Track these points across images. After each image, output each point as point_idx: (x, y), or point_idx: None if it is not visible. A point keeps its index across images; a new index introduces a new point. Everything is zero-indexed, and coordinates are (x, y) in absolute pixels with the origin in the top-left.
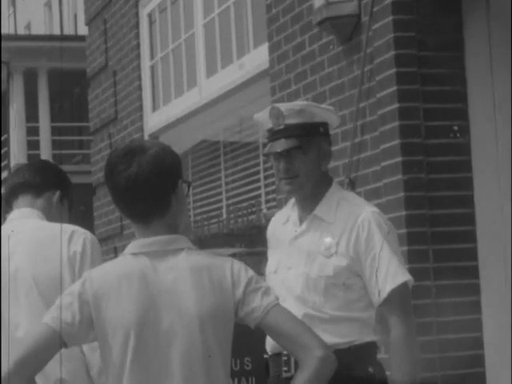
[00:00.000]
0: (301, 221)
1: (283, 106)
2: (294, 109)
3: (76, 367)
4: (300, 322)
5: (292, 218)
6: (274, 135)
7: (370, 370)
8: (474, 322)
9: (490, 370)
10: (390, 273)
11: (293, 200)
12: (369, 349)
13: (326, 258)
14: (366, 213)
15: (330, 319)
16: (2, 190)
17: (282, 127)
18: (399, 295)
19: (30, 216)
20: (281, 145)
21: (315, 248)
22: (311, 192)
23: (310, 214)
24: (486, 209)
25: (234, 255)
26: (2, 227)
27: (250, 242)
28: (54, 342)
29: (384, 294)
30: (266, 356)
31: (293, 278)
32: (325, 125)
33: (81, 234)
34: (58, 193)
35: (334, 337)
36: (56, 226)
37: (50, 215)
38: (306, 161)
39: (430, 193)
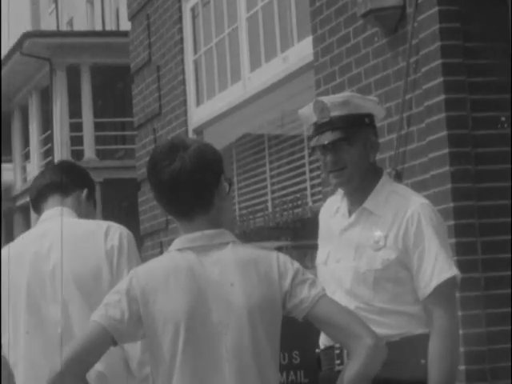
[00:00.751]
0: (350, 213)
1: (327, 99)
2: (337, 101)
3: (114, 361)
4: (348, 312)
5: (341, 210)
6: (319, 128)
7: (423, 361)
8: None
9: None
10: (436, 267)
11: (342, 191)
12: (421, 341)
13: (374, 252)
14: (416, 205)
15: (380, 312)
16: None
17: (326, 120)
18: (445, 290)
19: (64, 214)
20: (327, 137)
21: (364, 241)
22: (360, 184)
23: (359, 206)
24: None
25: (279, 248)
26: (36, 228)
27: (295, 236)
28: (104, 340)
29: (430, 289)
30: (317, 350)
31: (342, 271)
32: (370, 116)
33: (116, 228)
34: (85, 191)
35: (384, 329)
36: (90, 222)
37: (80, 213)
38: (353, 152)
39: (477, 184)
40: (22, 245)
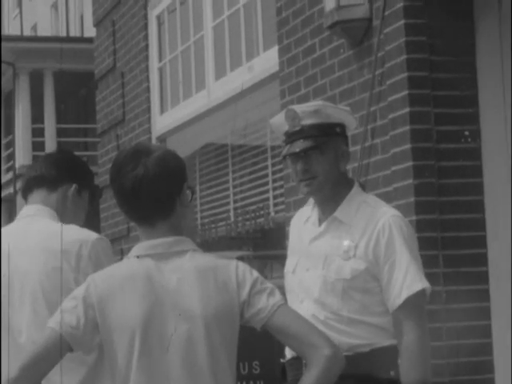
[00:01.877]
0: (320, 222)
1: (298, 108)
2: (309, 110)
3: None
4: (306, 322)
5: (312, 219)
6: (290, 137)
7: (392, 373)
8: (484, 328)
9: (499, 375)
10: (407, 279)
11: (313, 200)
12: (390, 352)
13: (344, 261)
14: (387, 216)
15: (348, 322)
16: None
17: (298, 128)
18: (415, 302)
19: (40, 215)
20: (298, 145)
21: (334, 250)
22: (331, 194)
23: (329, 215)
24: (497, 214)
25: (240, 258)
26: (13, 225)
27: (257, 246)
28: (59, 347)
29: (399, 301)
30: (282, 360)
31: (310, 280)
32: (342, 126)
33: (88, 246)
34: (74, 186)
35: (354, 339)
36: (66, 233)
37: (64, 211)
38: (324, 161)
39: (440, 198)
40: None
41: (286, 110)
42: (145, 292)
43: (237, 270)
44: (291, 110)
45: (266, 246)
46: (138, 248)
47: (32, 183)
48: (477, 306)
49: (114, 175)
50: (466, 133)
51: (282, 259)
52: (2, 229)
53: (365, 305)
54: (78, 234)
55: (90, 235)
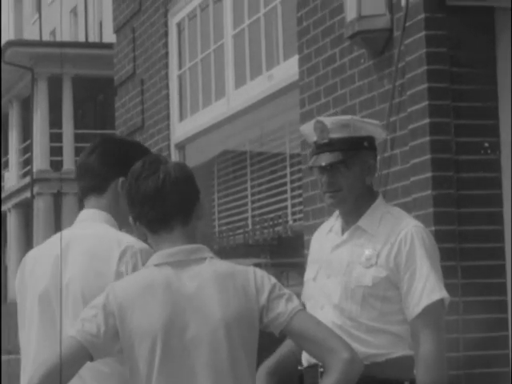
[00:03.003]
0: (343, 231)
1: (328, 120)
2: (338, 123)
3: None
4: (325, 327)
5: (335, 228)
6: (318, 148)
7: (407, 383)
8: (501, 339)
9: None
10: (426, 289)
11: (337, 212)
12: (405, 362)
13: (365, 269)
14: (409, 227)
15: (366, 330)
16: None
17: (326, 141)
18: (433, 312)
19: (93, 219)
20: (325, 158)
21: (355, 258)
22: (354, 205)
23: (352, 225)
24: None
25: (257, 265)
26: (68, 230)
27: (274, 254)
28: (80, 355)
29: (418, 310)
30: (300, 367)
31: (331, 286)
32: (370, 139)
33: (133, 252)
34: (121, 180)
35: (369, 348)
36: (114, 237)
37: (119, 210)
38: (349, 175)
39: (459, 209)
40: (47, 247)
41: (316, 121)
42: (164, 299)
43: (255, 276)
44: (320, 122)
45: (283, 255)
46: (156, 256)
47: (85, 192)
48: (495, 317)
49: (132, 181)
50: (486, 144)
51: (298, 268)
52: (55, 235)
53: (384, 313)
54: (123, 239)
55: (134, 242)
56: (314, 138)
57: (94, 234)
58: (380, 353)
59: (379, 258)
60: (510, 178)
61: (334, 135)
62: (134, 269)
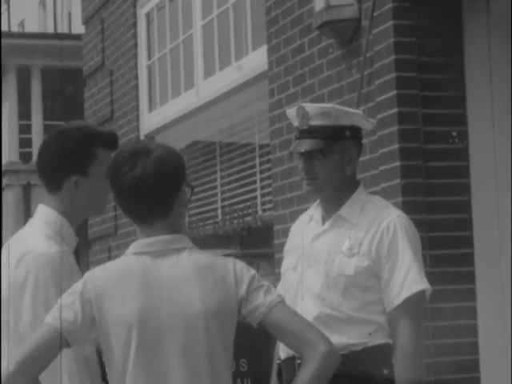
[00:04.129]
0: (324, 220)
1: (309, 107)
2: (319, 110)
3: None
4: (303, 319)
5: (315, 217)
6: (300, 134)
7: (385, 372)
8: (470, 327)
9: (485, 375)
10: (408, 279)
11: (318, 201)
12: (384, 351)
13: (347, 258)
14: (393, 216)
15: (347, 319)
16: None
17: (306, 127)
18: (413, 302)
19: (38, 216)
20: (304, 146)
21: (337, 247)
22: (334, 194)
23: (333, 214)
24: (484, 214)
25: (228, 256)
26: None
27: (244, 244)
28: (57, 341)
29: (399, 300)
30: (278, 361)
31: (312, 276)
32: (353, 128)
33: (31, 258)
34: (73, 179)
35: (348, 338)
36: (25, 242)
37: (75, 206)
38: (326, 164)
39: (428, 198)
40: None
41: (298, 107)
42: (141, 288)
43: (235, 267)
44: (302, 107)
45: (253, 245)
46: (136, 245)
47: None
48: (463, 305)
49: (112, 174)
50: (454, 133)
51: (268, 258)
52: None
53: (365, 303)
54: (26, 244)
55: (41, 247)
56: (296, 124)
57: (20, 237)
58: (358, 342)
59: (361, 247)
60: (478, 166)
61: (315, 122)
62: (27, 274)
